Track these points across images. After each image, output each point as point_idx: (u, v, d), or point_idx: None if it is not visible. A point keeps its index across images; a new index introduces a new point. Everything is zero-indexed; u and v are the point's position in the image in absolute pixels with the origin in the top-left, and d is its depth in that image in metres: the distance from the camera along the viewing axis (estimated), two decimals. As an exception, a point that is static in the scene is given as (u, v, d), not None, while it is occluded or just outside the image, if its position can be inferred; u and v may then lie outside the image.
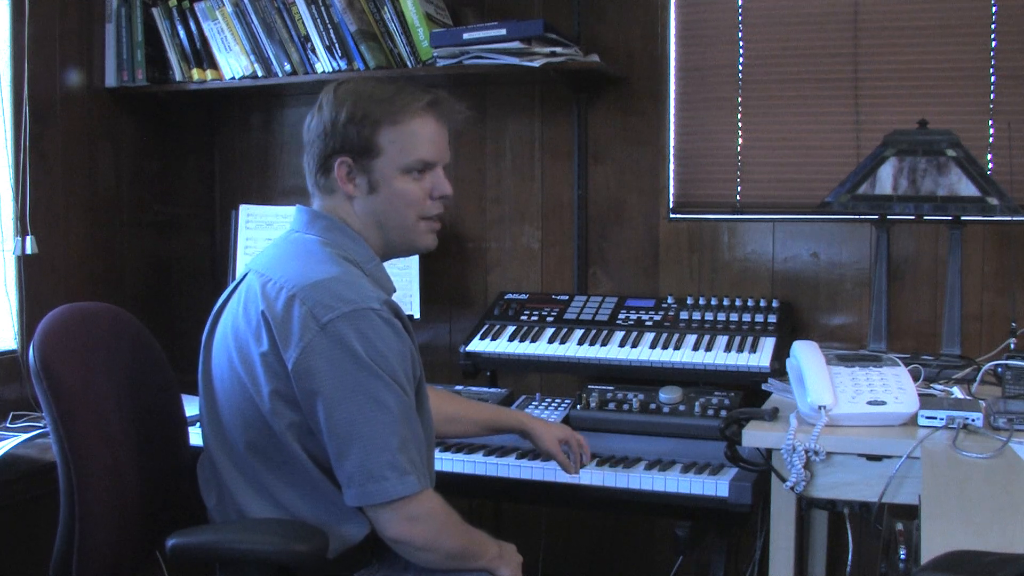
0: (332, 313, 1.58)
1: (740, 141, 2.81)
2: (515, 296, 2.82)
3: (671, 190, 2.86)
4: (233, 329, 1.70)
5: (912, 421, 1.86)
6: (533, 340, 2.60)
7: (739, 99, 2.80)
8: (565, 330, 2.62)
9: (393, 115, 1.71)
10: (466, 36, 2.62)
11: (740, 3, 2.78)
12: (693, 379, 2.42)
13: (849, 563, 2.20)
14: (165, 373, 1.97)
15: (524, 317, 2.71)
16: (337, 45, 2.78)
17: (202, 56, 2.96)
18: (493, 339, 2.63)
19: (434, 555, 1.66)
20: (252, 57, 2.89)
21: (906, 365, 2.03)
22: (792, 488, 1.84)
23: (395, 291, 1.79)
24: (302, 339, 1.58)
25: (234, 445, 1.70)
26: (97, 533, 1.71)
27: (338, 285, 1.62)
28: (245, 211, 2.96)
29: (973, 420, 1.81)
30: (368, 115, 1.70)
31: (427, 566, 1.68)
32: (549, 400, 2.52)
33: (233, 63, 2.93)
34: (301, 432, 1.64)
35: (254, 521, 1.70)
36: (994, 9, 2.56)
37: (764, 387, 2.25)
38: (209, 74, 2.96)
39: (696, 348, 2.46)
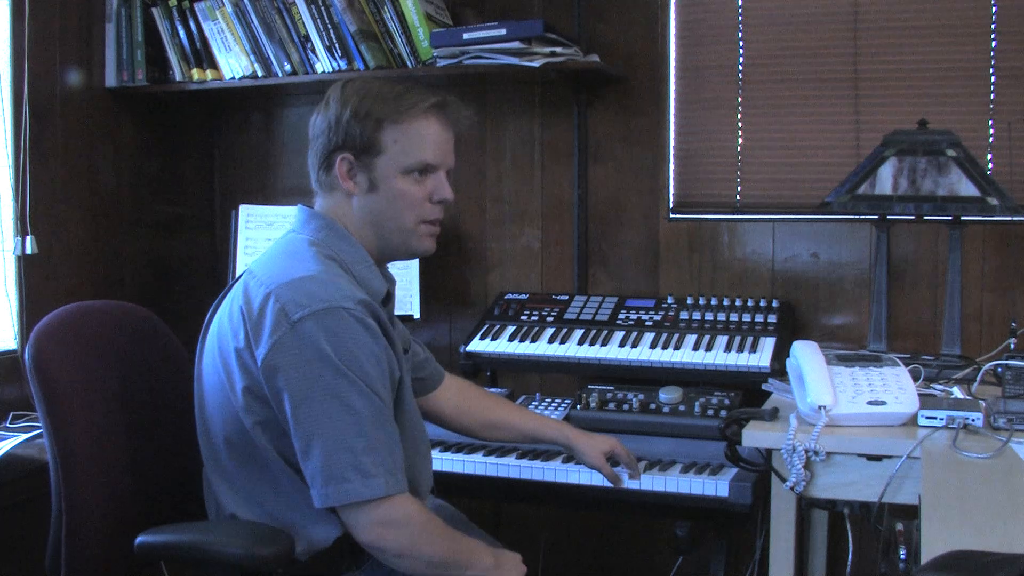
0: (303, 311, 1.57)
1: (740, 141, 2.81)
2: (515, 296, 2.82)
3: (671, 190, 2.86)
4: (219, 326, 1.71)
5: (912, 421, 1.86)
6: (533, 340, 2.60)
7: (739, 99, 2.80)
8: (565, 330, 2.62)
9: (397, 114, 1.69)
10: (466, 36, 2.62)
11: (740, 3, 2.78)
12: (693, 379, 2.42)
13: (849, 563, 2.20)
14: (180, 372, 1.97)
15: (524, 317, 2.71)
16: (337, 45, 2.78)
17: (202, 56, 2.97)
18: (493, 339, 2.63)
19: (413, 562, 1.62)
20: (252, 57, 2.89)
21: (906, 365, 2.03)
22: (792, 488, 1.84)
23: (385, 294, 1.75)
24: (272, 336, 1.58)
25: (216, 441, 1.71)
26: (85, 526, 1.73)
27: (313, 283, 1.61)
28: (245, 211, 2.96)
29: (973, 420, 1.81)
30: (372, 112, 1.69)
31: (409, 574, 1.65)
32: (549, 400, 2.52)
33: (233, 63, 2.93)
34: (271, 430, 1.63)
35: (221, 523, 1.71)
36: (994, 9, 2.56)
37: (764, 387, 2.25)
38: (209, 74, 2.96)
39: (696, 348, 2.46)
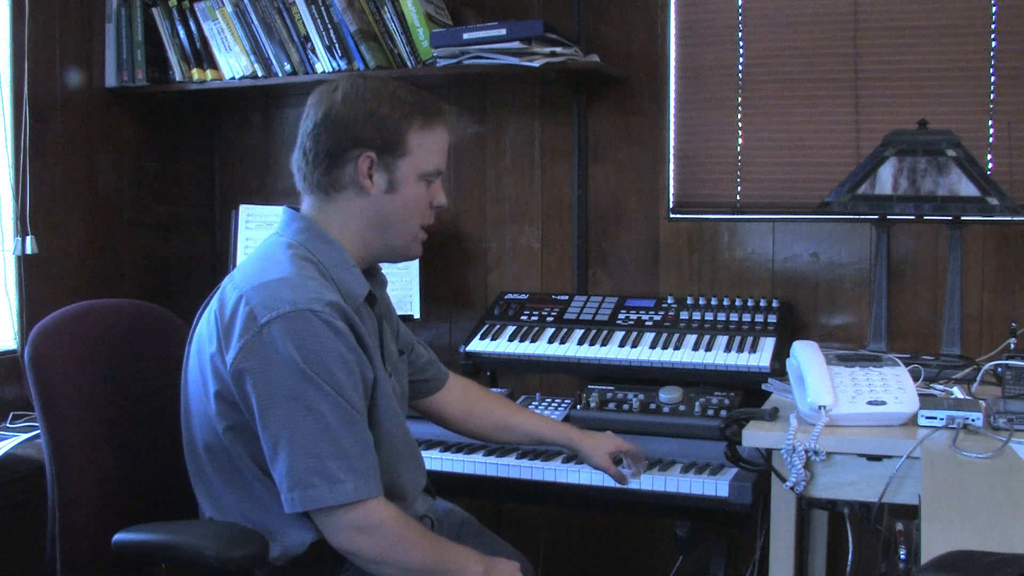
0: (271, 314, 1.56)
1: (740, 141, 2.81)
2: (515, 296, 2.82)
3: (671, 190, 2.86)
4: (198, 331, 1.71)
5: (912, 421, 1.86)
6: (533, 340, 2.60)
7: (739, 99, 2.80)
8: (565, 330, 2.62)
9: (427, 118, 1.70)
10: (466, 36, 2.62)
11: (740, 3, 2.78)
12: (693, 379, 2.42)
13: (849, 563, 2.20)
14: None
15: (524, 317, 2.71)
16: (337, 45, 2.78)
17: (202, 56, 2.97)
18: (493, 339, 2.63)
19: (391, 569, 1.60)
20: (252, 57, 2.89)
21: (906, 365, 2.03)
22: (792, 488, 1.84)
23: (368, 296, 1.71)
24: (240, 339, 1.57)
25: (197, 447, 1.71)
26: (78, 524, 1.74)
27: (283, 286, 1.59)
28: (245, 211, 2.96)
29: (973, 420, 1.81)
30: (403, 113, 1.68)
31: None
32: (549, 400, 2.52)
33: (233, 63, 2.93)
34: (243, 434, 1.62)
35: (197, 523, 1.72)
36: (994, 9, 2.56)
37: (764, 387, 2.25)
38: (209, 74, 2.96)
39: (696, 348, 2.46)
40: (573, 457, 2.19)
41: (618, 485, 2.07)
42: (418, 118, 1.69)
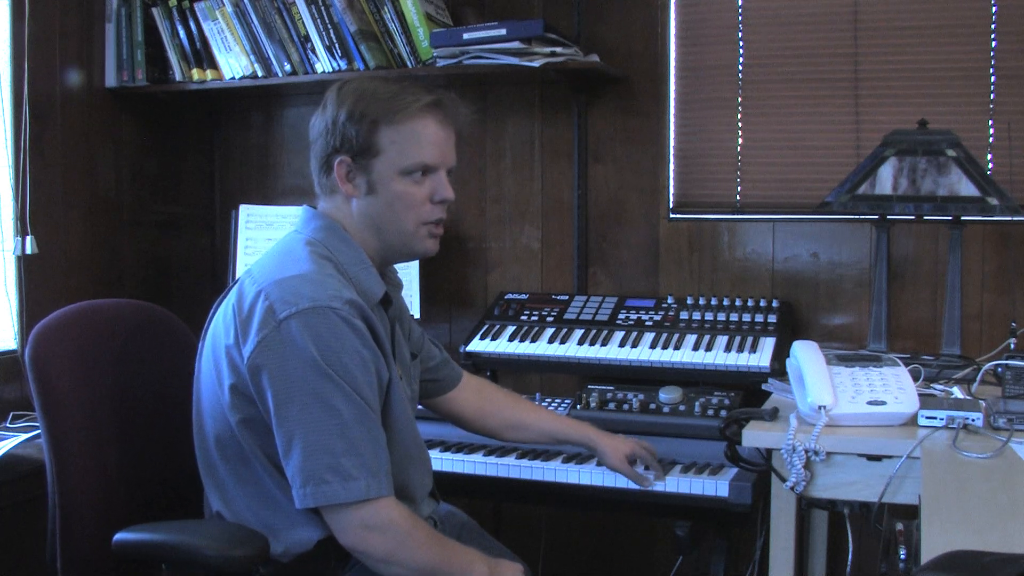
0: (290, 309, 1.56)
1: (740, 141, 2.81)
2: (515, 296, 2.82)
3: (671, 190, 2.86)
4: (215, 325, 1.71)
5: (912, 421, 1.86)
6: (533, 340, 2.60)
7: (739, 99, 2.80)
8: (565, 330, 2.62)
9: (392, 115, 1.67)
10: (466, 36, 2.62)
11: (740, 3, 2.78)
12: (693, 379, 2.42)
13: (849, 563, 2.20)
14: (190, 371, 1.98)
15: (524, 317, 2.71)
16: (337, 45, 2.78)
17: (202, 56, 2.97)
18: (493, 339, 2.63)
19: (399, 569, 1.60)
20: (252, 57, 2.89)
21: (906, 365, 2.03)
22: (792, 488, 1.84)
23: (384, 297, 1.72)
24: (259, 334, 1.58)
25: (207, 440, 1.71)
26: (79, 525, 1.74)
27: (302, 282, 1.60)
28: (245, 211, 2.96)
29: (973, 420, 1.81)
30: (367, 113, 1.66)
31: None
32: (549, 400, 2.52)
33: (233, 63, 2.93)
34: (256, 428, 1.62)
35: (199, 523, 1.72)
36: (994, 9, 2.56)
37: (764, 387, 2.25)
38: (209, 74, 2.96)
39: (696, 348, 2.46)
40: (573, 457, 2.19)
41: (617, 485, 2.08)
42: (384, 116, 1.66)
